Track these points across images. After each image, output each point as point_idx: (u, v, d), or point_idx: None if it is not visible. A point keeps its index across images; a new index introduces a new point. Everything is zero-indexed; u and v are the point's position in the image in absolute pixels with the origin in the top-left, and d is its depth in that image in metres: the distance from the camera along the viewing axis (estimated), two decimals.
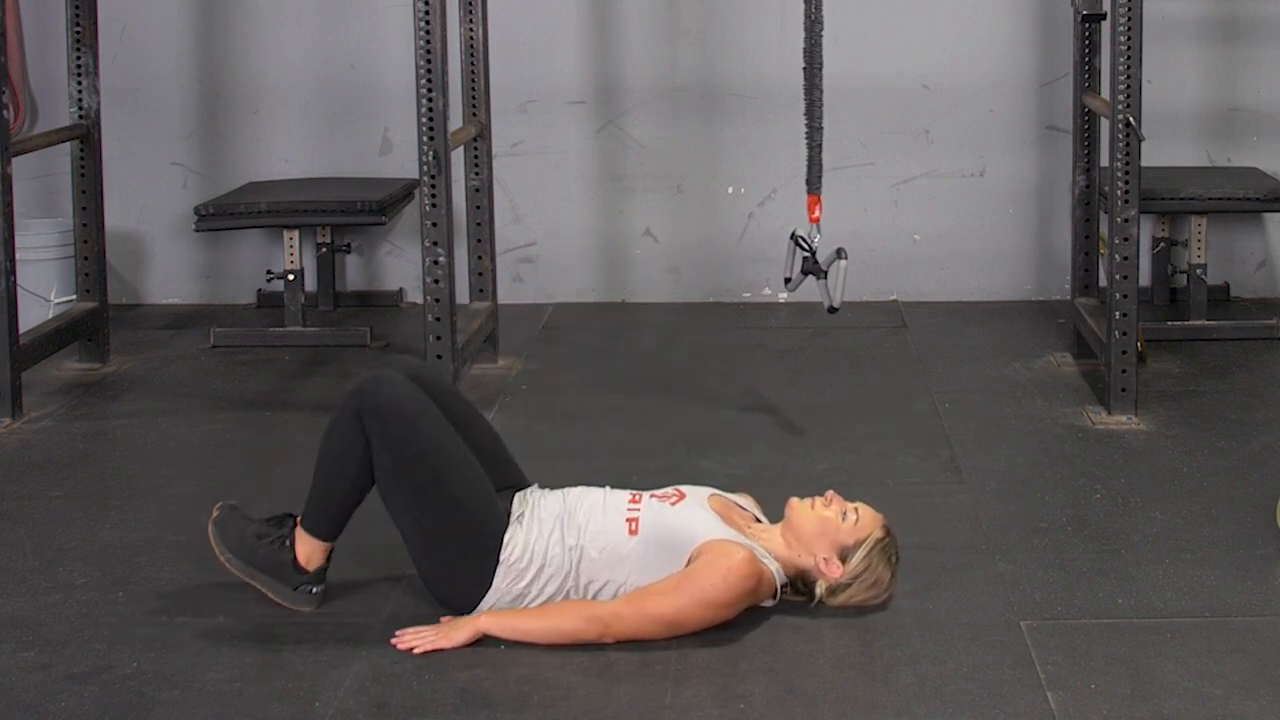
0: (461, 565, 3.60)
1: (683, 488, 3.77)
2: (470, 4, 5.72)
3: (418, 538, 3.62)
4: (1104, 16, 5.49)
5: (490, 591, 3.60)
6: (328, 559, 3.74)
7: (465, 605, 3.62)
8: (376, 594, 3.82)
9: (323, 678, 3.41)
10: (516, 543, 3.61)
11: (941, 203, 6.71)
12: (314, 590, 3.73)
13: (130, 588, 3.88)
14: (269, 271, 6.54)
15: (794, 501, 3.69)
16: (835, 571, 3.64)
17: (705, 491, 3.79)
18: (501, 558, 3.60)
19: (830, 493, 3.71)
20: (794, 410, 5.24)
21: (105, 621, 3.69)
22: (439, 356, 5.02)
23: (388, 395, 3.61)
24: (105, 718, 3.25)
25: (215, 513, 3.77)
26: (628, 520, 3.63)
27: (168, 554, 4.08)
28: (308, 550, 3.72)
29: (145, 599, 3.82)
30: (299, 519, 3.75)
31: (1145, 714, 3.22)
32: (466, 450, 3.64)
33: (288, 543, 3.72)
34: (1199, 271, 6.11)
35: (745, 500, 3.89)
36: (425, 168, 4.97)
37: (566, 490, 3.76)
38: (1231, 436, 4.94)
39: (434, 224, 5.02)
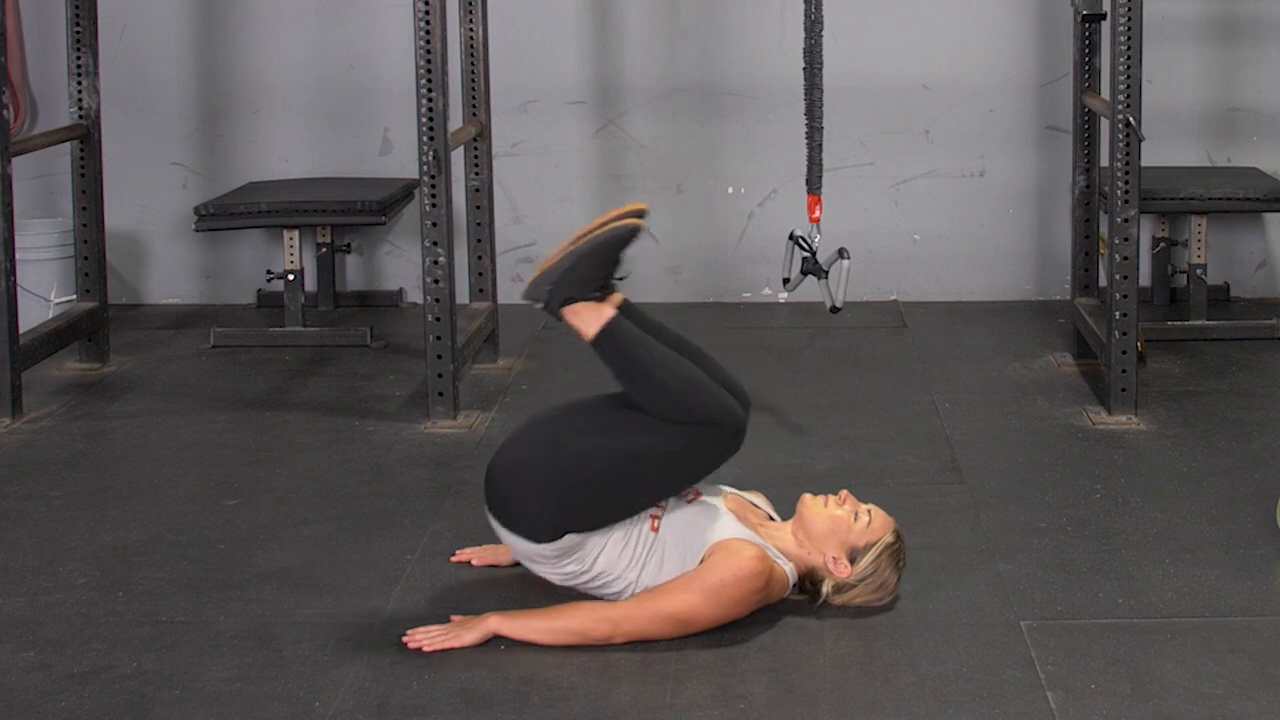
0: (553, 508, 3.57)
1: (698, 485, 3.78)
2: (470, 4, 5.72)
3: (570, 458, 3.57)
4: (1104, 16, 5.49)
5: (531, 543, 3.59)
6: (573, 330, 3.66)
7: (505, 517, 3.61)
8: (376, 594, 3.82)
9: (323, 678, 3.41)
10: (589, 540, 3.62)
11: (941, 203, 6.71)
12: (542, 307, 3.63)
13: (130, 588, 3.89)
14: (269, 271, 6.54)
15: (807, 498, 3.70)
16: (843, 571, 3.64)
17: (720, 489, 3.80)
18: (568, 535, 3.59)
19: (844, 492, 3.71)
20: (794, 410, 5.24)
21: (105, 621, 3.69)
22: (439, 356, 5.02)
23: (728, 444, 3.62)
24: (105, 718, 3.26)
25: (635, 222, 3.68)
26: (652, 516, 3.64)
27: (168, 554, 4.09)
28: (590, 316, 3.62)
29: (145, 599, 3.82)
30: (617, 298, 3.68)
31: (1145, 714, 3.23)
32: (668, 496, 3.67)
33: (599, 295, 3.64)
34: (1199, 271, 6.11)
35: (758, 499, 3.89)
36: (425, 168, 4.97)
37: None
38: (1231, 436, 4.94)
39: (434, 224, 5.02)
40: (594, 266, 3.64)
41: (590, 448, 3.59)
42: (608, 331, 3.62)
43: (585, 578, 3.65)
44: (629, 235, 3.68)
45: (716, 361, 3.78)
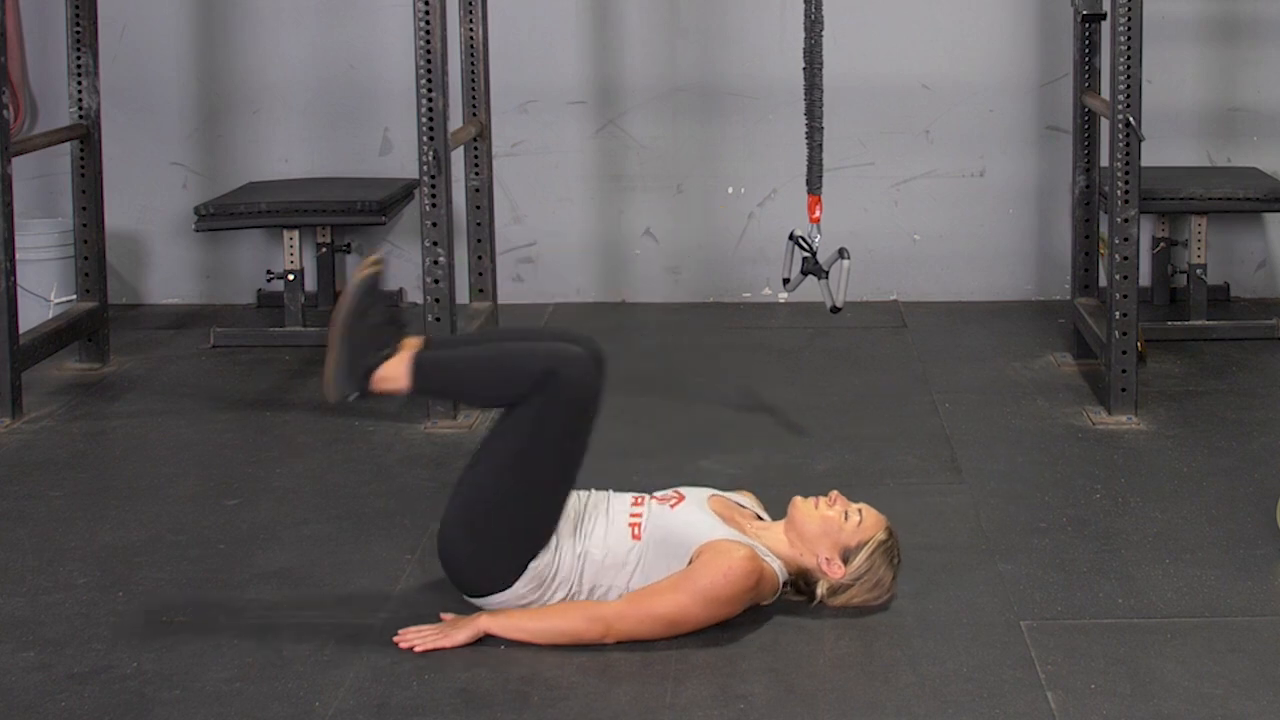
0: (493, 556, 3.57)
1: (682, 489, 3.77)
2: (470, 4, 5.72)
3: (476, 505, 3.57)
4: (1104, 16, 5.49)
5: (505, 592, 3.59)
6: (393, 396, 3.65)
7: (475, 590, 3.61)
8: (376, 594, 3.82)
9: (323, 678, 3.41)
10: (546, 555, 3.61)
11: (941, 203, 6.71)
12: (353, 397, 3.61)
13: (130, 588, 3.89)
14: (269, 271, 6.55)
15: (797, 500, 3.70)
16: (837, 572, 3.64)
17: (705, 492, 3.79)
18: (530, 564, 3.59)
19: (834, 493, 3.71)
20: (794, 410, 5.24)
21: (105, 621, 3.69)
22: None
23: (588, 385, 3.58)
24: (105, 718, 3.26)
25: (371, 269, 3.63)
26: (630, 524, 3.64)
27: (168, 554, 4.09)
28: (393, 375, 3.61)
29: (145, 599, 3.82)
30: (416, 342, 3.65)
31: (1145, 714, 3.23)
32: (578, 469, 3.63)
33: (387, 351, 3.61)
34: (1199, 271, 6.11)
35: (746, 498, 3.89)
36: (425, 168, 4.97)
37: (578, 494, 3.75)
38: (1231, 436, 4.94)
39: (434, 224, 5.02)
40: (364, 332, 3.62)
41: (483, 478, 3.58)
42: (416, 372, 3.61)
43: (581, 597, 3.64)
44: (370, 281, 3.65)
45: (545, 330, 3.67)
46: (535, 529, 3.59)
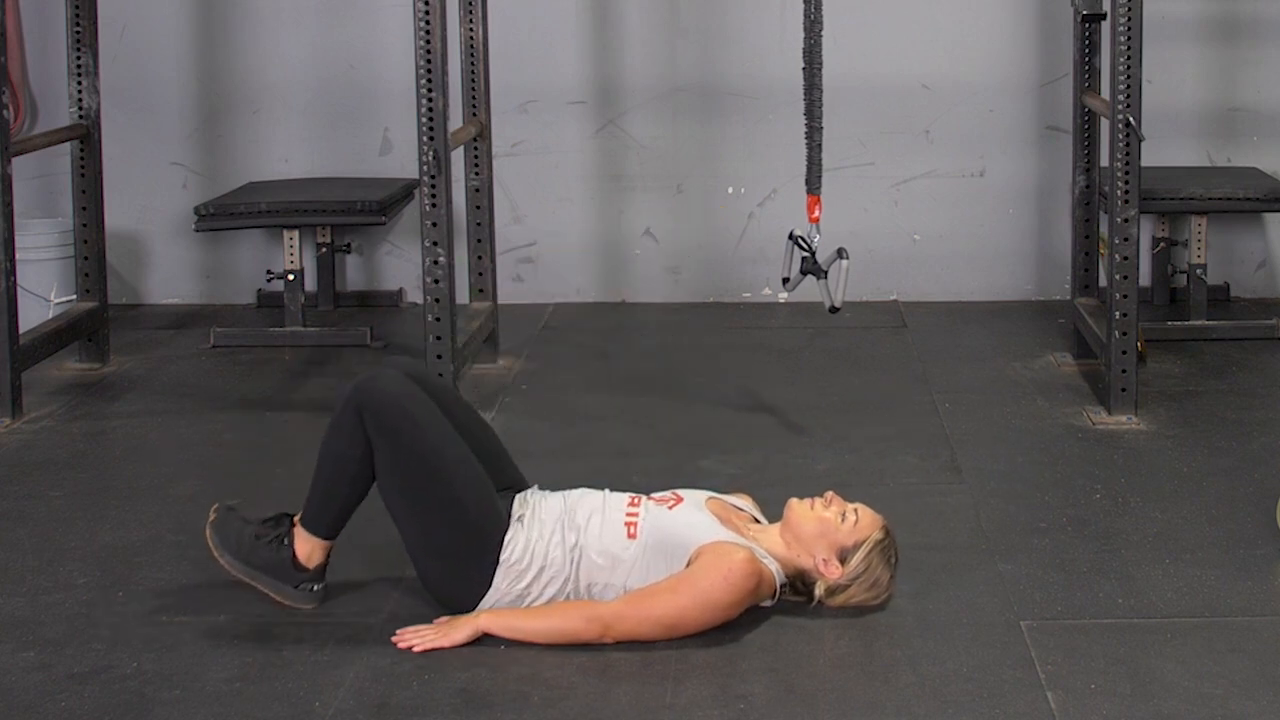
0: (461, 565, 3.60)
1: (680, 491, 3.77)
2: (470, 4, 5.72)
3: (418, 537, 3.62)
4: (1104, 16, 5.49)
5: (490, 592, 3.60)
6: (328, 557, 3.75)
7: (465, 605, 3.62)
8: (376, 594, 3.82)
9: (323, 678, 3.41)
10: (517, 543, 3.61)
11: (941, 203, 6.71)
12: (315, 588, 3.73)
13: (130, 588, 3.89)
14: (269, 271, 6.54)
15: (793, 502, 3.69)
16: (834, 572, 3.64)
17: (702, 494, 3.79)
18: (502, 558, 3.60)
19: (830, 494, 3.71)
20: (794, 410, 5.24)
21: (105, 621, 3.69)
22: (439, 356, 5.02)
23: (389, 393, 3.61)
24: (105, 718, 3.26)
25: (212, 515, 3.76)
26: (627, 524, 3.64)
27: (168, 554, 4.08)
28: (308, 549, 3.72)
29: (145, 599, 3.82)
30: (297, 517, 3.74)
31: (1145, 714, 3.23)
32: (467, 450, 3.64)
33: (286, 541, 3.72)
34: (1199, 271, 6.11)
35: (743, 501, 3.89)
36: (425, 168, 4.97)
37: (566, 492, 3.76)
38: (1231, 436, 4.94)
39: (434, 224, 5.02)
40: (255, 553, 3.71)
41: (400, 513, 3.63)
42: (315, 526, 3.71)
43: (578, 595, 3.64)
44: (218, 523, 3.75)
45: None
46: (478, 525, 3.60)
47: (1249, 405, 5.26)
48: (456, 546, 3.60)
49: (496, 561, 3.60)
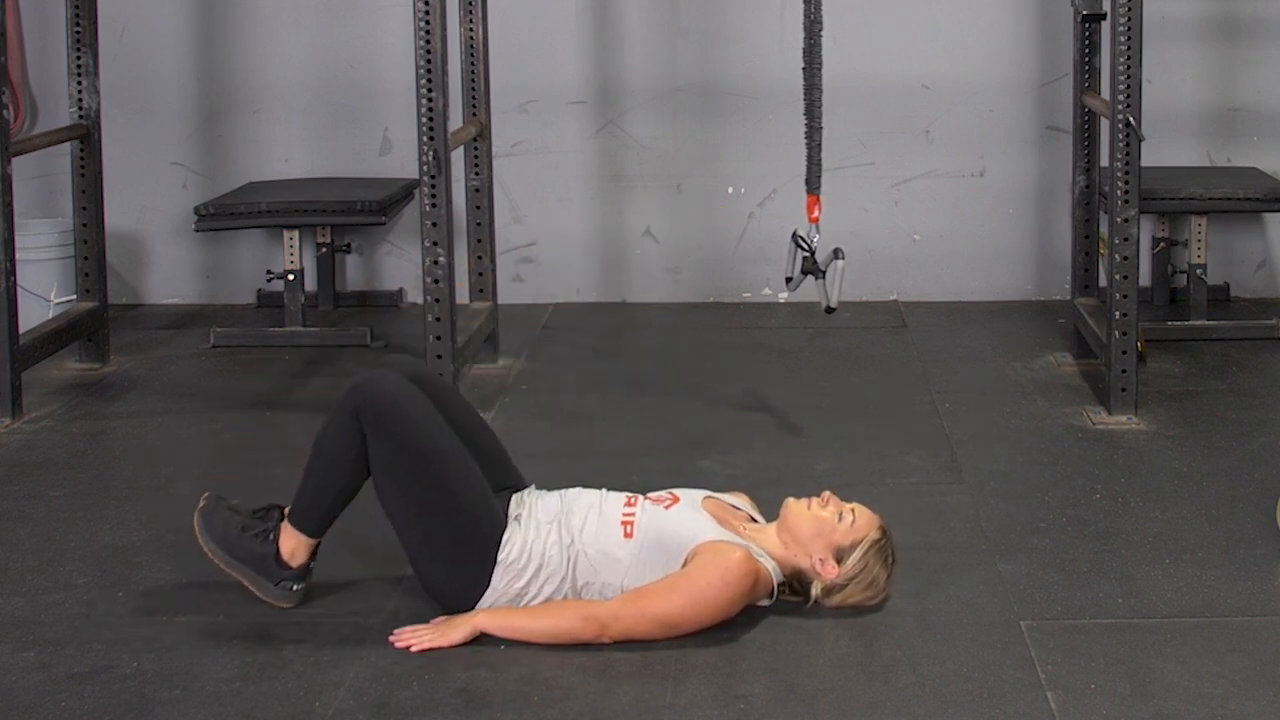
0: (459, 565, 3.60)
1: (677, 491, 3.77)
2: (470, 4, 5.72)
3: (415, 537, 3.62)
4: (1104, 16, 5.49)
5: (488, 591, 3.60)
6: (312, 556, 3.74)
7: (462, 605, 3.62)
8: (376, 594, 3.82)
9: (323, 678, 3.41)
10: (514, 543, 3.61)
11: (941, 203, 6.71)
12: (295, 587, 3.72)
13: (130, 588, 3.89)
14: (269, 271, 6.54)
15: (790, 502, 3.69)
16: (831, 572, 3.64)
17: (699, 494, 3.79)
18: (499, 557, 3.60)
19: (826, 493, 3.71)
20: (794, 410, 5.24)
21: (105, 621, 3.69)
22: (439, 356, 5.02)
23: (386, 393, 3.61)
24: (105, 718, 3.26)
25: (201, 503, 3.76)
26: (623, 523, 3.64)
27: (168, 554, 4.08)
28: (292, 546, 3.71)
29: (145, 599, 3.82)
30: (287, 512, 3.74)
31: (1145, 714, 3.23)
32: (464, 449, 3.64)
33: (271, 536, 3.71)
34: (1199, 271, 6.11)
35: (740, 500, 3.88)
36: (425, 168, 4.97)
37: (564, 492, 3.76)
38: (1231, 436, 4.94)
39: (434, 224, 5.02)
40: (239, 545, 3.70)
41: (398, 514, 3.62)
42: (301, 523, 3.70)
43: (574, 593, 3.64)
44: (205, 513, 3.74)
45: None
46: (475, 525, 3.59)
47: (1249, 405, 5.26)
48: (454, 545, 3.60)
49: (494, 561, 3.60)
